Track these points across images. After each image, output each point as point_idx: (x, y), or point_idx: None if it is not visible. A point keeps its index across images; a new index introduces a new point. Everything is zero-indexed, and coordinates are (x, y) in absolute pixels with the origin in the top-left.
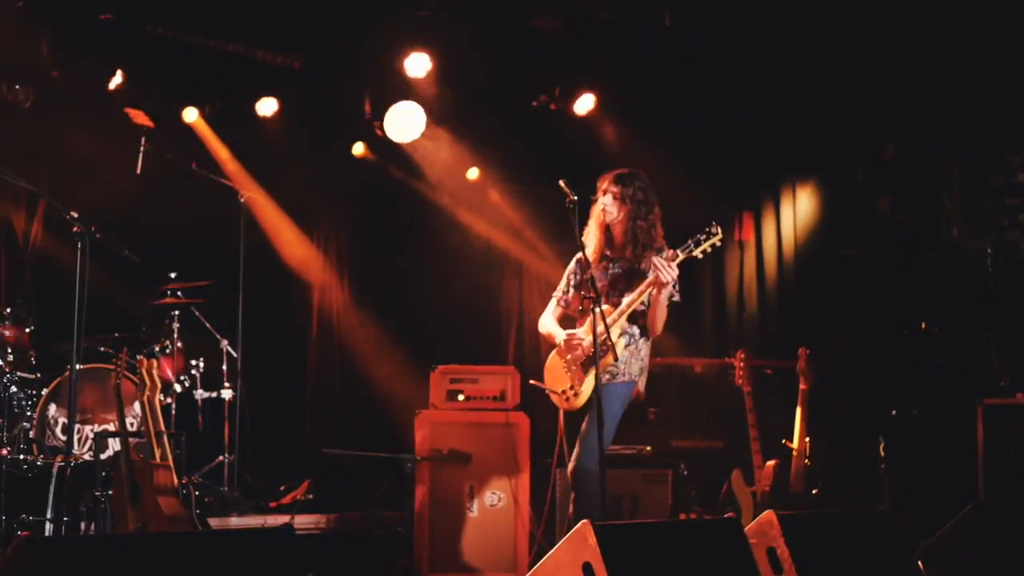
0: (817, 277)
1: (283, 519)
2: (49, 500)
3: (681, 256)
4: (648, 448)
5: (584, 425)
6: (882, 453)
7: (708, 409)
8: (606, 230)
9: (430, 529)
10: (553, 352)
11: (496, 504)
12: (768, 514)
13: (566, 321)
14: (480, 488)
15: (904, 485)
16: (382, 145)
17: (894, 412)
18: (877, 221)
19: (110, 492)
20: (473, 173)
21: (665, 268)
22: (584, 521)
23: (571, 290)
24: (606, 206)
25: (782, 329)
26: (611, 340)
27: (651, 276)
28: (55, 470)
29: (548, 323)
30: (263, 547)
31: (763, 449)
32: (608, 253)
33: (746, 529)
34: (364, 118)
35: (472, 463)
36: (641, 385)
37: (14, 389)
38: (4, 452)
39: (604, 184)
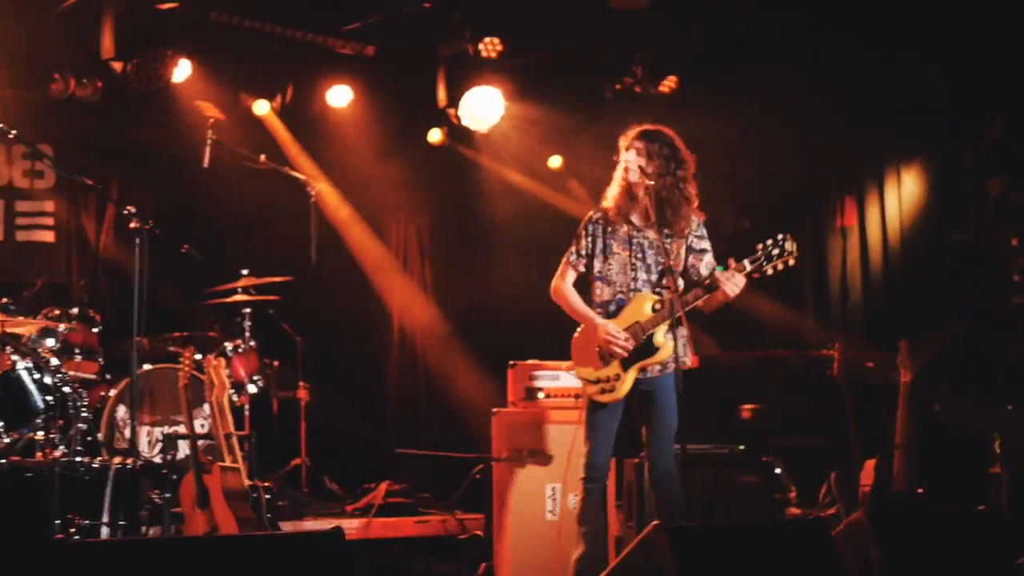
0: (925, 264)
1: (360, 523)
2: (105, 503)
3: (749, 268)
4: (742, 447)
5: (648, 424)
6: (997, 450)
7: (806, 405)
8: (627, 192)
9: (510, 532)
10: (581, 330)
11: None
12: (858, 515)
13: (581, 288)
14: (562, 490)
15: (1020, 484)
16: (460, 132)
17: (1010, 407)
18: (989, 203)
19: (167, 495)
20: (555, 161)
21: (730, 283)
22: (655, 523)
23: (587, 252)
24: (628, 163)
25: (889, 319)
26: (659, 342)
27: (716, 288)
28: (111, 472)
29: (573, 298)
30: (312, 551)
31: (865, 446)
32: (631, 218)
33: (835, 531)
34: (439, 104)
35: (553, 464)
36: (689, 360)
37: (67, 390)
38: (57, 454)
39: (627, 141)
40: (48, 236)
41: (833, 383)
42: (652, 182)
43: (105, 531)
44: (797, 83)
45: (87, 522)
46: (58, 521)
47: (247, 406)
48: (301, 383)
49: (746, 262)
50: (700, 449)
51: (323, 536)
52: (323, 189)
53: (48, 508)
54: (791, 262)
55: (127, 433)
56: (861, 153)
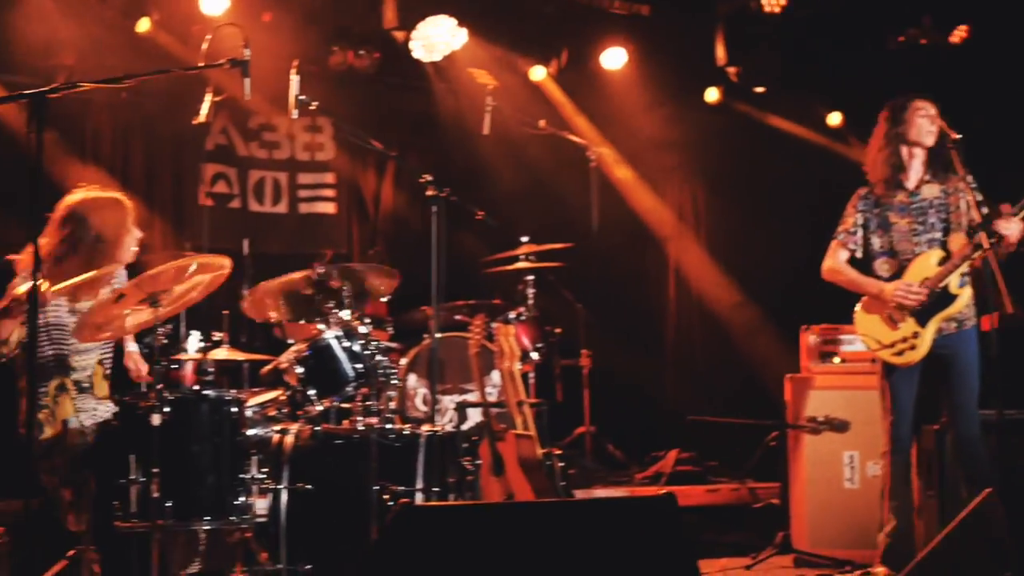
0: None
1: (649, 491)
2: (418, 471)
3: None
4: None
5: (949, 387)
6: None
7: None
8: (901, 157)
9: (807, 501)
10: (864, 300)
11: (879, 474)
12: None
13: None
14: (861, 457)
15: None
16: (737, 90)
17: None
18: None
19: (478, 462)
20: (835, 118)
21: (1004, 224)
22: (988, 491)
23: (859, 231)
24: (923, 130)
25: None
26: (955, 291)
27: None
28: (422, 440)
29: (850, 272)
30: (645, 516)
31: None
32: (905, 184)
33: None
34: (717, 63)
35: (851, 431)
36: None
37: (380, 358)
38: (373, 421)
39: (904, 109)
40: (329, 208)
41: None
42: (935, 143)
43: (419, 497)
44: None
45: (402, 488)
46: (376, 487)
47: (531, 374)
48: (583, 351)
49: None
50: (1007, 414)
51: (656, 501)
52: (602, 153)
53: (367, 474)
54: None
55: (417, 402)
56: None
